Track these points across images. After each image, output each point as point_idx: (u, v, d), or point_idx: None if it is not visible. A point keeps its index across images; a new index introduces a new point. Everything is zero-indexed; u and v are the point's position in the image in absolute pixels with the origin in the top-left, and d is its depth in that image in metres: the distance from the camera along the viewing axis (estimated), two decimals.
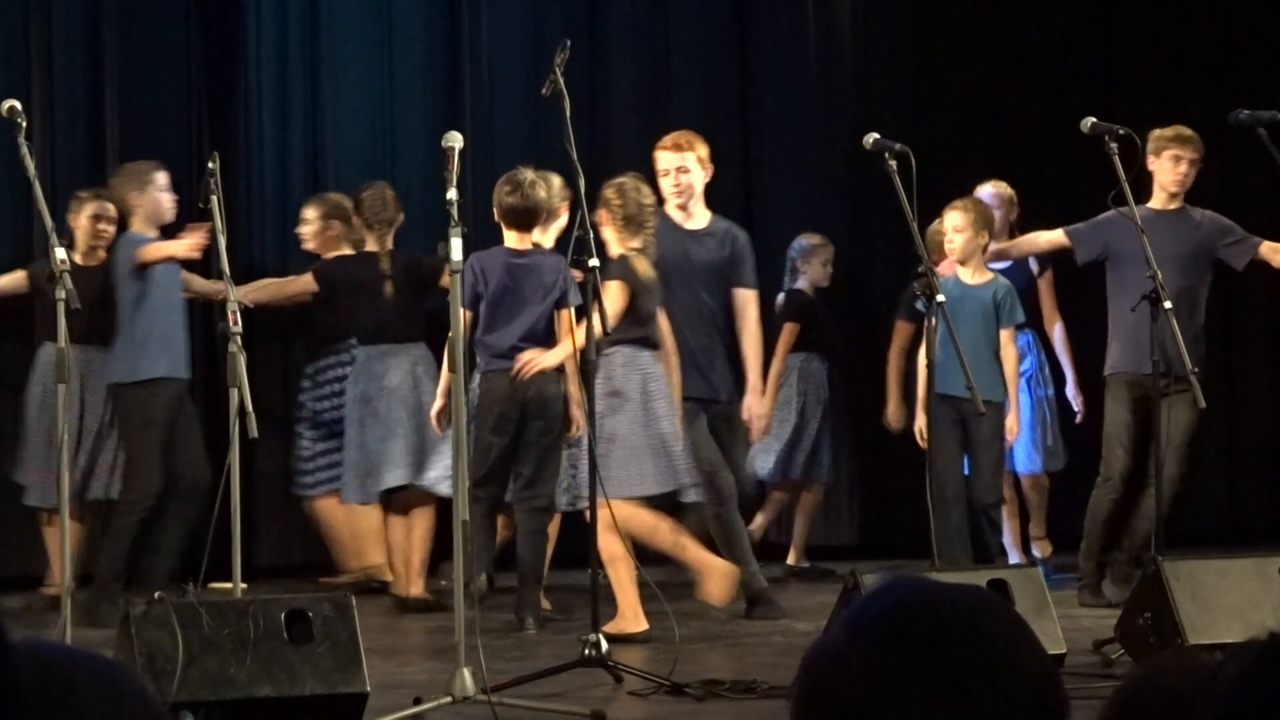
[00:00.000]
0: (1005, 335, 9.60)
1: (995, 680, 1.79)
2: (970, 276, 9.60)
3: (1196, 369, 7.89)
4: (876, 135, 7.95)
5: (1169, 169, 9.25)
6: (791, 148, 12.20)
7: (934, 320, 7.84)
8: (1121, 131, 7.91)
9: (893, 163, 7.76)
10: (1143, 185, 9.08)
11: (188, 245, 9.23)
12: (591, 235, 7.43)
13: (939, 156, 10.61)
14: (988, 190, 10.30)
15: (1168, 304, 7.84)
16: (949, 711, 1.79)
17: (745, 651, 8.15)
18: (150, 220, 9.49)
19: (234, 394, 6.80)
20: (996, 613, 1.85)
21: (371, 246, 10.07)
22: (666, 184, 9.13)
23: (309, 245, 10.52)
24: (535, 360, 8.68)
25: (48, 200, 7.44)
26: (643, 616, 8.47)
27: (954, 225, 9.55)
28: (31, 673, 1.58)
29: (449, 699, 6.54)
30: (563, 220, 9.27)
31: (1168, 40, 12.72)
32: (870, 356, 11.16)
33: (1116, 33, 12.70)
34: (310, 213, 10.55)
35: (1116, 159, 7.84)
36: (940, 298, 7.72)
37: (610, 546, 8.18)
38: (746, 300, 9.30)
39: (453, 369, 6.91)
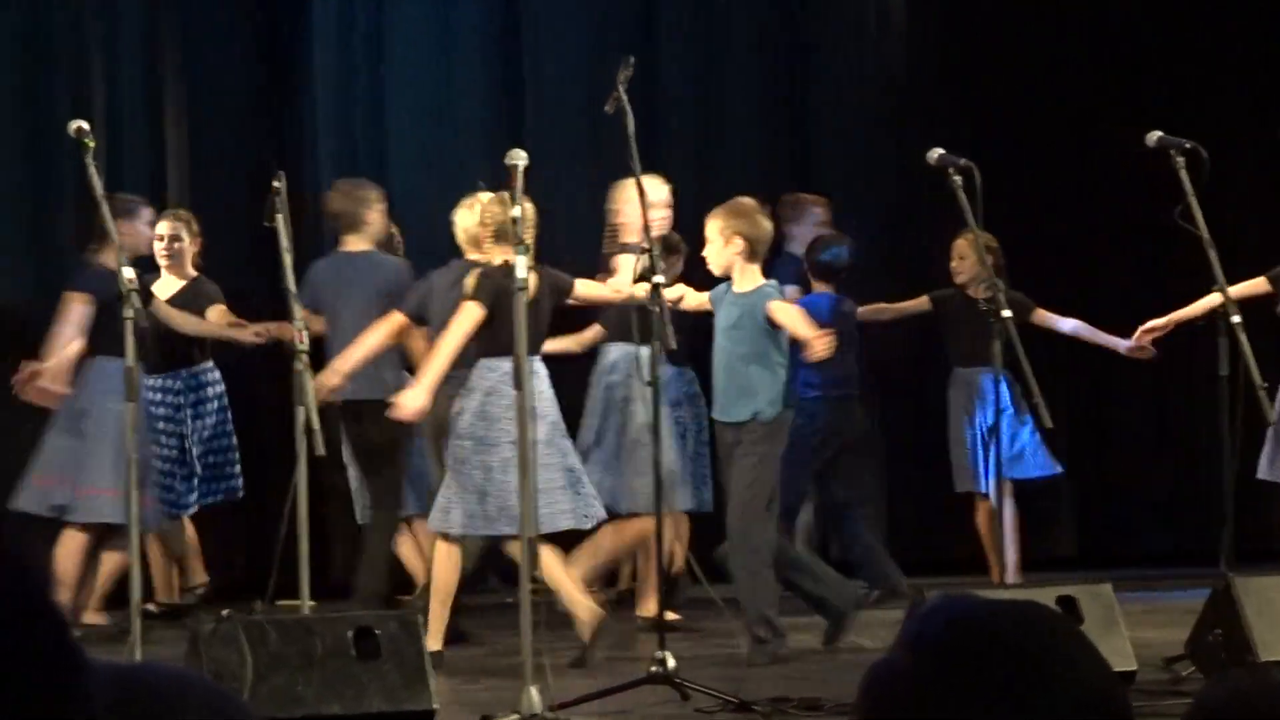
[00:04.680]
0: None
1: (1059, 691, 1.79)
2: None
3: (1266, 385, 7.81)
4: (941, 150, 7.85)
5: None
6: (846, 162, 12.15)
7: (995, 339, 7.72)
8: (1189, 145, 7.77)
9: (957, 179, 7.69)
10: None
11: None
12: (656, 252, 7.42)
13: (995, 172, 10.50)
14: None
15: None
16: None
17: (812, 669, 8.11)
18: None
19: (300, 412, 6.81)
20: (1054, 625, 1.85)
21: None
22: None
23: None
24: None
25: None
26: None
27: None
28: (138, 697, 1.57)
29: (516, 716, 6.54)
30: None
31: (1231, 50, 12.65)
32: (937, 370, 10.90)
33: (1173, 42, 12.64)
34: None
35: (1184, 174, 7.70)
36: (1006, 313, 7.63)
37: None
38: None
39: (518, 386, 6.88)
